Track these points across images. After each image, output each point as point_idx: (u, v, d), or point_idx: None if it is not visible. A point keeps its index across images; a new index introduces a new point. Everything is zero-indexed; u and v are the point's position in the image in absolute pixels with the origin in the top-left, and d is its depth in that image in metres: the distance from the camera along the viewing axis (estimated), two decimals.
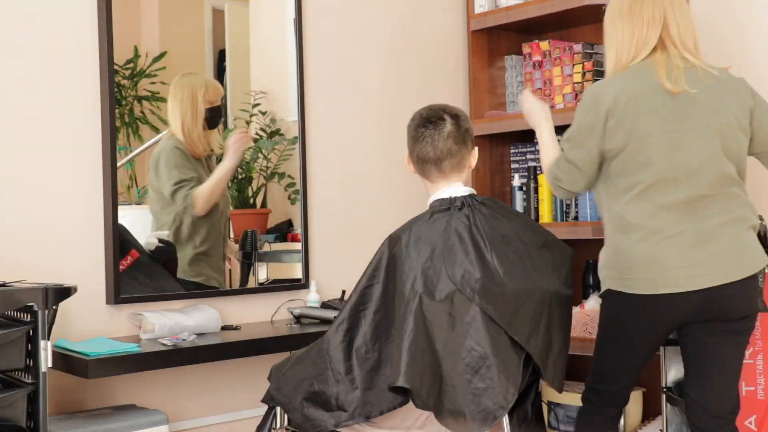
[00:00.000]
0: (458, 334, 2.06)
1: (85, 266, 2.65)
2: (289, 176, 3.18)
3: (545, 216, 3.40)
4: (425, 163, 2.33)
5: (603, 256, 2.38)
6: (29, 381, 2.08)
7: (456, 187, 2.32)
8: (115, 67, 2.72)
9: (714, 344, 2.28)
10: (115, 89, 2.72)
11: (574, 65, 3.43)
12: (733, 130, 2.24)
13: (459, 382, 2.04)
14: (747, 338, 2.32)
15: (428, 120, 2.34)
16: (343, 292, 3.10)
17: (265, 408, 2.32)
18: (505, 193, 3.71)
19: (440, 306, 2.07)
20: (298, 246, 3.15)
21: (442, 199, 2.29)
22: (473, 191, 2.33)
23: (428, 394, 2.03)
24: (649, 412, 3.21)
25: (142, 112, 2.87)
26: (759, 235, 2.33)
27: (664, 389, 2.75)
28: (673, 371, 2.76)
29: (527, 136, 3.69)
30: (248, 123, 3.14)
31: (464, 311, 2.07)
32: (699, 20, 3.27)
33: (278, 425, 2.26)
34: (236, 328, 2.85)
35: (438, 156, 2.31)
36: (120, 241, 2.70)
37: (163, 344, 2.51)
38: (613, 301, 2.32)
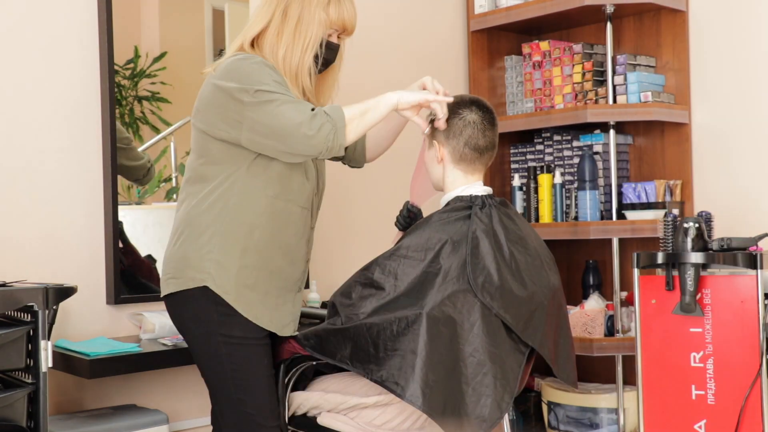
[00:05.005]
0: (459, 339, 2.02)
1: (85, 266, 2.65)
2: None
3: (545, 216, 3.40)
4: (473, 151, 2.15)
5: None
6: (29, 381, 2.08)
7: (478, 185, 2.19)
8: (115, 67, 2.72)
9: None
10: (115, 89, 2.72)
11: (573, 65, 3.43)
12: None
13: (456, 388, 2.02)
14: None
15: (473, 103, 2.16)
16: None
17: None
18: (505, 193, 3.72)
19: (448, 309, 2.01)
20: None
21: (462, 197, 2.16)
22: (491, 190, 2.21)
23: (435, 404, 2.00)
24: None
25: (142, 112, 2.87)
26: (698, 233, 2.22)
27: None
28: None
29: (527, 137, 3.70)
30: None
31: (467, 316, 2.02)
32: (698, 20, 3.29)
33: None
34: None
35: (486, 146, 2.16)
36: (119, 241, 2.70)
37: (163, 344, 2.51)
38: None
